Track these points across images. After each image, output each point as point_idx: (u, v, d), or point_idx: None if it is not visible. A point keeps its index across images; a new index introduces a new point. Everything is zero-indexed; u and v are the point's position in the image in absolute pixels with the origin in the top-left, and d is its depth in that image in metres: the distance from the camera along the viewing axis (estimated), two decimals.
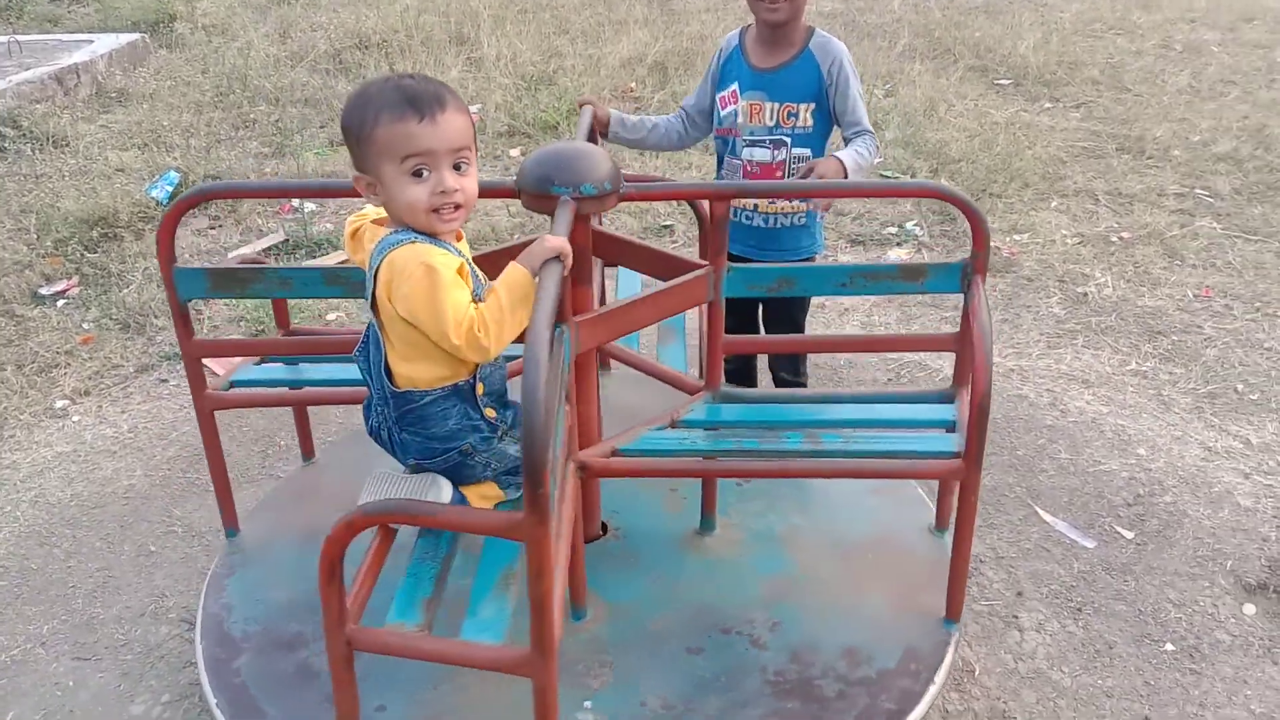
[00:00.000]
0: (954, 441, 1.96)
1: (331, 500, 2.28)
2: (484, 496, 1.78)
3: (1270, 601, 2.51)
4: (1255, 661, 2.34)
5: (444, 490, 1.72)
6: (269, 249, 4.37)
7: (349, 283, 2.08)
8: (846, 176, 2.38)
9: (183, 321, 2.12)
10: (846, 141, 2.54)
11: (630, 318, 1.96)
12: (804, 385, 2.92)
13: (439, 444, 1.70)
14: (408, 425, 1.69)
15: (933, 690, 1.90)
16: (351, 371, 2.19)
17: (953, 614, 2.05)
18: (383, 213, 1.73)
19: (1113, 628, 2.42)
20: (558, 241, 1.59)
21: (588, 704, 1.85)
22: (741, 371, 2.97)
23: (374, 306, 1.64)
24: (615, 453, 1.97)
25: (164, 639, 2.39)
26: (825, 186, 2.36)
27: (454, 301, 1.53)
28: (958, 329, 2.10)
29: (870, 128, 2.51)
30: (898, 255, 4.31)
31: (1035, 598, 2.51)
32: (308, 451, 2.65)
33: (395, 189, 1.58)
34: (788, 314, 2.78)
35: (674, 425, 2.09)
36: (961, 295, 2.04)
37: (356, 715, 1.60)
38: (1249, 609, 2.49)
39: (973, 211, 1.99)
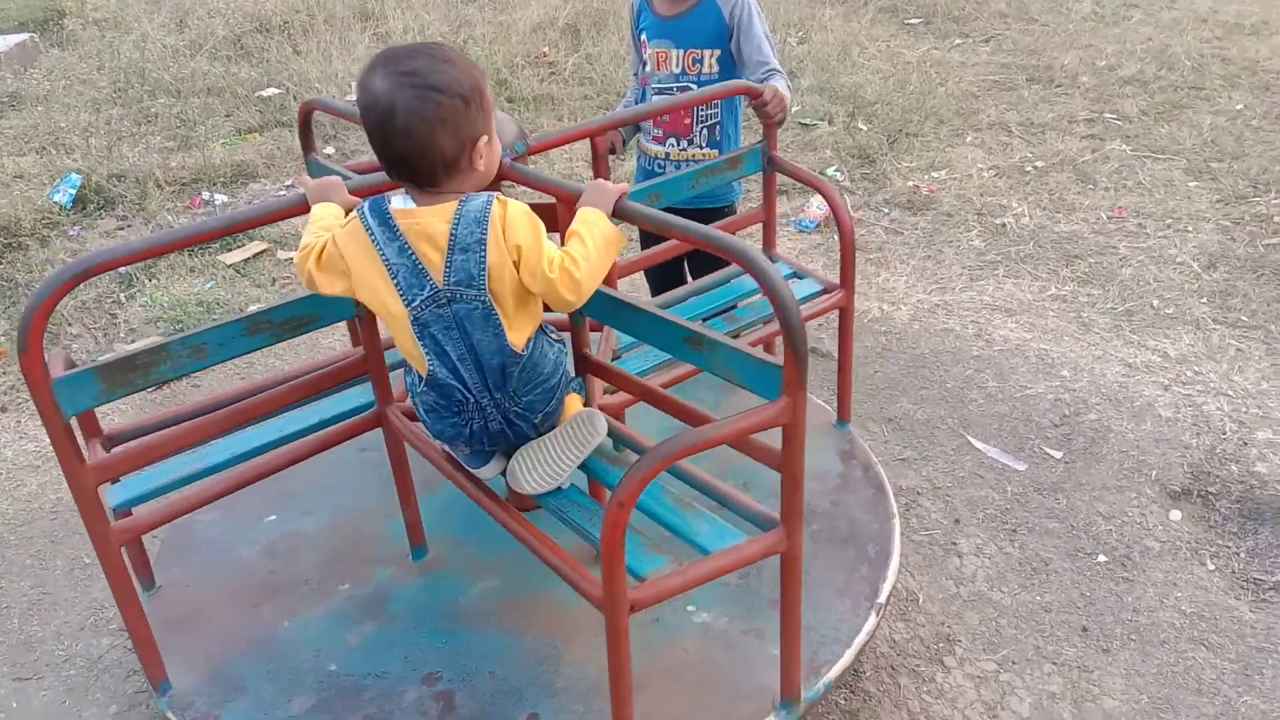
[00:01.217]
0: (813, 284, 2.39)
1: (219, 619, 2.09)
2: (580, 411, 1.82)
3: (1195, 506, 2.61)
4: (1184, 565, 2.43)
5: (598, 415, 1.77)
6: None
7: (274, 326, 1.83)
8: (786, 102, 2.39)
9: (68, 444, 1.64)
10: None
11: None
12: None
13: (554, 380, 1.70)
14: (526, 386, 1.67)
15: (882, 469, 2.36)
16: (264, 435, 1.96)
17: (843, 416, 2.51)
18: (333, 226, 1.65)
19: (1047, 545, 2.49)
20: (616, 185, 1.67)
21: (691, 607, 1.99)
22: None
23: (489, 285, 1.55)
24: (615, 392, 2.04)
25: (105, 650, 2.34)
26: (678, 101, 2.42)
27: (547, 244, 1.58)
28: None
29: (780, 67, 2.49)
30: (820, 202, 4.34)
31: (972, 523, 2.57)
32: (148, 579, 2.20)
33: (496, 142, 1.63)
34: (712, 261, 2.78)
35: (616, 357, 2.13)
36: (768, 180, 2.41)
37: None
38: (1175, 515, 2.58)
39: (758, 93, 2.29)
